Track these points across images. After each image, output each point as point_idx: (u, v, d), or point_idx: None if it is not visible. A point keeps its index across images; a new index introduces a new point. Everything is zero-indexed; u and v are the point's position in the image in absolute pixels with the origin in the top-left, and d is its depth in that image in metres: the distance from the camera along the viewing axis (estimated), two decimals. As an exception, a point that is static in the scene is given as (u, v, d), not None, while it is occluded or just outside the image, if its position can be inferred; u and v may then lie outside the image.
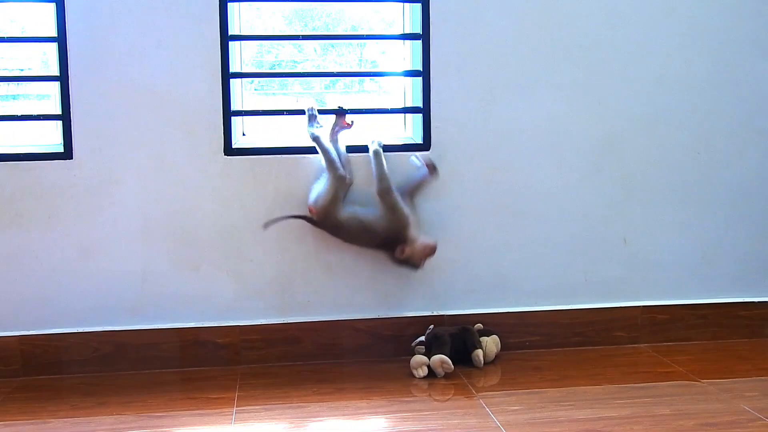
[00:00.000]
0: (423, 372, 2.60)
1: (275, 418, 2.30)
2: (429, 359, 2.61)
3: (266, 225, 2.65)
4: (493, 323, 2.81)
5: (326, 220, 2.63)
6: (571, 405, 2.35)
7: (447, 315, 2.81)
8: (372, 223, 2.64)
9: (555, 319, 2.86)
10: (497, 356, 2.75)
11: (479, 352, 2.67)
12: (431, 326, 2.75)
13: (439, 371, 2.60)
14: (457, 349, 2.66)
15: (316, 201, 2.63)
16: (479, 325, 2.79)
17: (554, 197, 2.84)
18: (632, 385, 2.51)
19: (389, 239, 2.64)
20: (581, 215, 2.86)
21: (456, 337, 2.69)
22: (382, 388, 2.51)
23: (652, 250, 2.91)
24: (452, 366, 2.59)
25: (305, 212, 2.67)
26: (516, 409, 2.32)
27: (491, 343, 2.73)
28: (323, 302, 2.76)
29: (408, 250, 2.64)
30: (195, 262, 2.71)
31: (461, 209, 2.80)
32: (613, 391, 2.46)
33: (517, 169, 2.81)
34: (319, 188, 2.63)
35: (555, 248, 2.86)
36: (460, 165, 2.78)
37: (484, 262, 2.83)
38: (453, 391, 2.49)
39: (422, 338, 2.72)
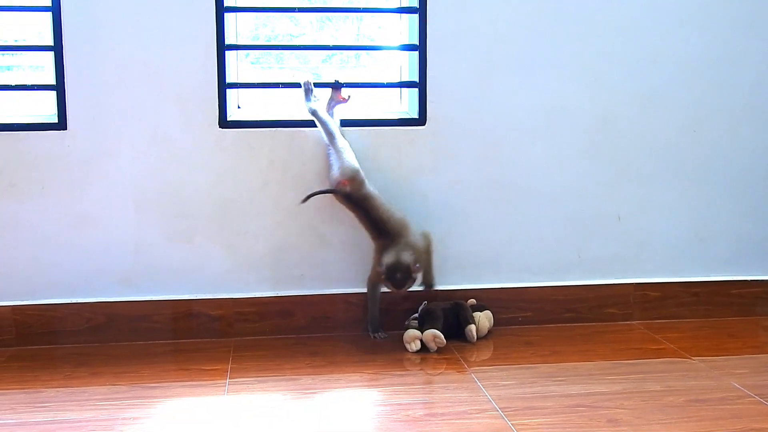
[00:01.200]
0: (416, 346, 2.60)
1: (268, 390, 2.30)
2: (422, 334, 2.61)
3: (303, 201, 2.61)
4: (486, 299, 2.81)
5: (360, 190, 2.57)
6: (562, 380, 2.35)
7: (440, 290, 2.81)
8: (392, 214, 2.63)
9: (547, 295, 2.87)
10: (490, 331, 2.75)
11: (472, 327, 2.67)
12: (425, 302, 2.75)
13: (432, 346, 2.60)
14: (450, 324, 2.67)
15: (344, 172, 2.56)
16: (472, 301, 2.79)
17: (549, 174, 2.84)
18: (623, 361, 2.52)
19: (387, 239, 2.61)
20: (576, 192, 2.86)
21: (449, 312, 2.69)
22: (375, 362, 2.51)
23: (645, 227, 2.91)
24: (444, 340, 2.59)
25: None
26: (507, 384, 2.32)
27: (484, 319, 2.73)
28: (316, 275, 2.76)
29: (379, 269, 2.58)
30: (188, 234, 2.70)
31: (456, 185, 2.80)
32: (604, 367, 2.47)
33: (512, 146, 2.81)
34: (342, 160, 2.57)
35: (549, 225, 2.86)
36: (455, 140, 2.77)
37: (478, 238, 2.83)
38: (445, 366, 2.50)
39: (416, 314, 2.72)
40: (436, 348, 2.60)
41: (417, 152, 2.76)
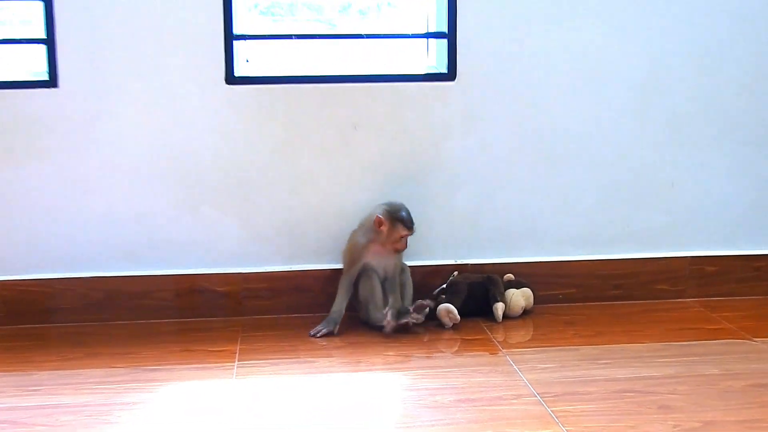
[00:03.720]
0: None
1: (281, 374, 2.29)
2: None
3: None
4: (523, 274, 2.78)
5: None
6: (607, 363, 2.33)
7: (471, 264, 2.79)
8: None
9: (592, 270, 2.84)
10: (526, 311, 2.72)
11: (499, 306, 2.65)
12: (454, 273, 2.73)
13: (446, 321, 2.60)
14: (478, 300, 2.65)
15: None
16: (510, 276, 2.76)
17: (593, 136, 2.80)
18: (676, 342, 2.49)
19: None
20: (623, 157, 2.82)
21: (477, 287, 2.67)
22: (400, 343, 2.49)
23: (701, 195, 2.86)
24: (458, 316, 2.59)
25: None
26: (547, 367, 2.30)
27: (518, 297, 2.69)
28: (335, 249, 2.72)
29: None
30: (194, 202, 2.69)
31: (489, 148, 2.76)
32: (655, 349, 2.44)
33: (552, 105, 2.77)
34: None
35: (593, 192, 2.82)
36: (488, 99, 2.74)
37: (514, 207, 2.80)
38: (477, 347, 2.48)
39: (444, 286, 2.70)
40: (450, 324, 2.60)
41: (446, 111, 2.73)
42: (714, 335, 2.56)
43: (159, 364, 2.34)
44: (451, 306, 2.59)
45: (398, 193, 2.71)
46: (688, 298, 2.87)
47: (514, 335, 2.59)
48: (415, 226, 2.58)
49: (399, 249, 2.59)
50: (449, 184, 2.76)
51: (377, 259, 2.60)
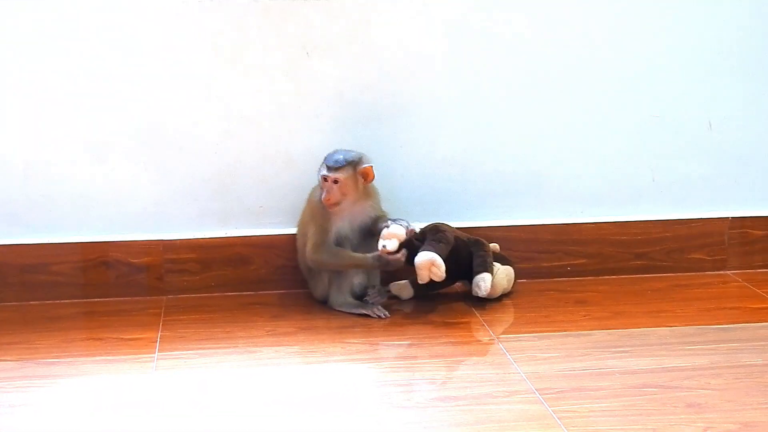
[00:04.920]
0: (391, 246, 2.52)
1: (213, 366, 2.32)
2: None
3: None
4: (520, 240, 2.82)
5: None
6: (625, 352, 2.36)
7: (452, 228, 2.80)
8: None
9: (607, 234, 2.88)
10: (505, 294, 2.72)
11: (485, 276, 2.60)
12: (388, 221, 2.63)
13: (423, 275, 2.51)
14: (460, 263, 2.64)
15: None
16: (496, 246, 2.74)
17: (609, 61, 2.82)
18: (712, 326, 2.54)
19: None
20: (647, 89, 2.84)
21: (463, 246, 2.65)
22: (363, 327, 2.53)
23: (747, 139, 2.90)
24: (444, 273, 2.51)
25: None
26: (549, 357, 2.34)
27: (502, 275, 2.69)
28: (282, 208, 2.77)
29: None
30: (101, 148, 2.70)
31: (481, 77, 2.78)
32: (684, 334, 2.48)
33: (564, 16, 2.78)
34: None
35: (609, 135, 2.86)
36: (482, 7, 2.74)
37: (506, 152, 2.83)
38: (462, 332, 2.51)
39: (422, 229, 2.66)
40: (428, 280, 2.53)
41: (425, 28, 2.74)
42: (759, 316, 2.60)
43: (57, 356, 2.36)
44: (437, 257, 2.51)
45: (362, 135, 2.75)
46: (729, 270, 2.92)
47: (509, 317, 2.63)
48: (339, 169, 2.52)
49: (323, 202, 2.55)
50: (429, 123, 2.79)
51: (345, 221, 2.61)
